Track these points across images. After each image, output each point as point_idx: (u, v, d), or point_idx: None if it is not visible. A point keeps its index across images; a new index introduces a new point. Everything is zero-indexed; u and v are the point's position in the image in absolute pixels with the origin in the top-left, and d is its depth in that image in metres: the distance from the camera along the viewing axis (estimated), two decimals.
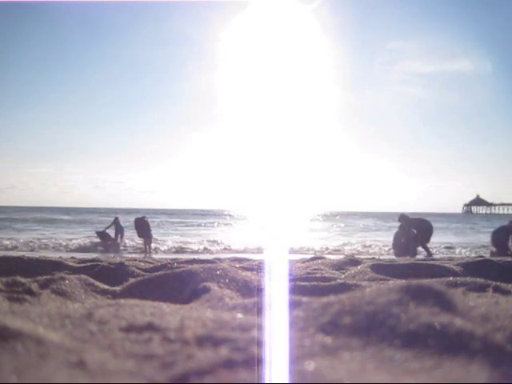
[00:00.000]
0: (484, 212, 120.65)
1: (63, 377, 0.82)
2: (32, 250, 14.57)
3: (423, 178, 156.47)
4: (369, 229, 34.97)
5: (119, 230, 16.77)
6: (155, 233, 17.73)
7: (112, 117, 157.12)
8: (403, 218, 12.17)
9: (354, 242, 20.10)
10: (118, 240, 16.65)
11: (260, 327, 1.13)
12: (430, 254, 12.09)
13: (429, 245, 12.67)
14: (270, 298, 1.46)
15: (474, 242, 21.56)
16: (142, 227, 15.74)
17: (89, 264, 3.15)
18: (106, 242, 16.73)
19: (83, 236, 18.88)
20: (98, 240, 17.05)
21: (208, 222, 42.06)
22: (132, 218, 17.04)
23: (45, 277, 2.20)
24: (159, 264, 3.50)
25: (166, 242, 18.65)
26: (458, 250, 16.86)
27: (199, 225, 36.91)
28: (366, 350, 1.01)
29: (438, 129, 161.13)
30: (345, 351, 1.00)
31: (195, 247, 17.01)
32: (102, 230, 17.71)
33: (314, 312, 1.21)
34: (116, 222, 16.89)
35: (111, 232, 17.01)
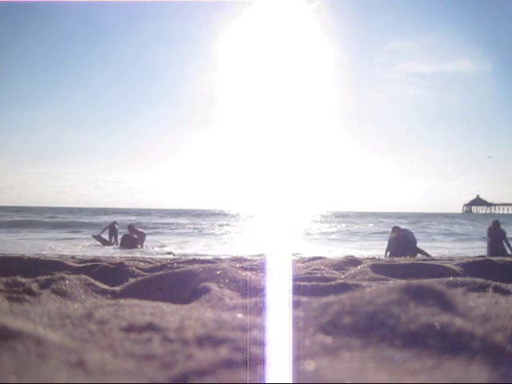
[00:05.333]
0: (484, 212, 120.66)
1: (63, 377, 0.82)
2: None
3: (423, 178, 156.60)
4: (369, 229, 34.96)
5: (113, 232, 17.49)
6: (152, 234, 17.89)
7: (112, 117, 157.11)
8: (396, 229, 12.24)
9: (353, 241, 20.10)
10: (113, 241, 17.28)
11: (260, 327, 1.13)
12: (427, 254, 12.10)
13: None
14: (270, 297, 1.46)
15: (475, 242, 21.53)
16: (128, 239, 16.25)
17: (89, 264, 3.14)
18: (104, 244, 17.27)
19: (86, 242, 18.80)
20: (97, 243, 17.48)
21: (208, 222, 42.08)
22: (130, 218, 17.30)
23: (45, 277, 2.20)
24: (159, 264, 3.50)
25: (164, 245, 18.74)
26: (458, 251, 16.85)
27: (198, 224, 36.90)
28: (366, 350, 1.01)
29: (438, 129, 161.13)
30: (345, 351, 1.00)
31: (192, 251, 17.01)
32: (97, 234, 18.28)
33: (314, 312, 1.21)
34: (111, 226, 17.70)
35: (105, 235, 17.82)
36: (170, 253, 14.91)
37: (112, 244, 17.19)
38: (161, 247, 17.70)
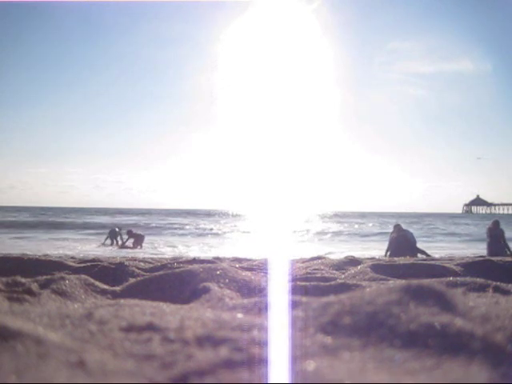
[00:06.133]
0: (484, 212, 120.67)
1: (63, 377, 0.82)
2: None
3: (423, 178, 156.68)
4: (369, 229, 34.94)
5: (114, 235, 18.07)
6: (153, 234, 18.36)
7: (112, 117, 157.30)
8: (398, 227, 12.17)
9: (353, 241, 20.08)
10: (114, 243, 17.79)
11: (260, 327, 1.13)
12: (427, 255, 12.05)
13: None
14: (270, 297, 1.46)
15: (475, 242, 21.50)
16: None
17: (89, 264, 3.14)
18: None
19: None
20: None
21: (208, 222, 42.05)
22: (130, 219, 17.67)
23: (45, 277, 2.20)
24: (159, 264, 3.50)
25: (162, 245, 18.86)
26: (458, 251, 16.82)
27: (200, 224, 36.86)
28: (366, 350, 1.01)
29: (439, 129, 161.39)
30: (345, 351, 1.00)
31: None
32: (102, 243, 18.65)
33: (314, 312, 1.21)
34: (112, 230, 18.24)
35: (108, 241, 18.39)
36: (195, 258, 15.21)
37: (112, 245, 17.53)
38: (172, 247, 18.01)
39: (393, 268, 3.25)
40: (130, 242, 16.93)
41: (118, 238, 17.79)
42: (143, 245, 16.91)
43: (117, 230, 18.31)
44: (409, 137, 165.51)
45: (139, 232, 17.83)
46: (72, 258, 6.91)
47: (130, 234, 16.92)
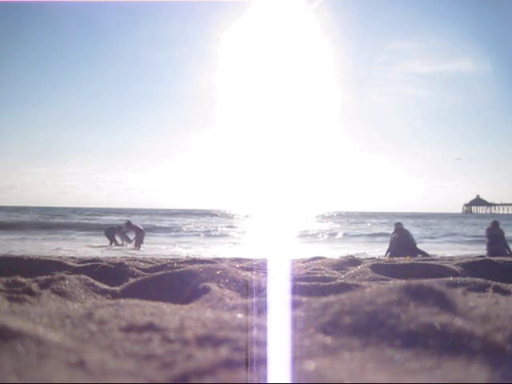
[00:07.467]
0: (484, 212, 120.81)
1: (63, 377, 0.82)
2: None
3: (423, 178, 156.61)
4: (369, 229, 34.96)
5: (110, 234, 17.90)
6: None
7: (112, 117, 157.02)
8: (398, 225, 12.20)
9: (354, 241, 20.05)
10: (113, 245, 17.71)
11: (260, 327, 1.13)
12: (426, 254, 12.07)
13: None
14: (270, 297, 1.46)
15: (475, 242, 21.50)
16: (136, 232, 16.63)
17: (89, 264, 3.14)
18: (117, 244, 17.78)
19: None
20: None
21: (209, 222, 42.06)
22: (131, 218, 17.53)
23: (45, 277, 2.20)
24: (159, 264, 3.50)
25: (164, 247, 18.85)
26: (458, 251, 16.81)
27: (201, 224, 36.88)
28: (366, 349, 1.01)
29: (438, 129, 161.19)
30: (345, 351, 1.00)
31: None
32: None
33: (314, 312, 1.21)
34: (108, 230, 18.11)
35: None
36: (195, 259, 15.22)
37: (111, 244, 17.48)
38: (172, 247, 17.97)
39: (393, 268, 3.25)
40: (130, 236, 16.76)
41: (116, 235, 17.67)
42: (143, 245, 16.82)
43: (114, 227, 18.20)
44: (409, 137, 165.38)
45: (139, 226, 17.54)
46: (72, 257, 6.91)
47: (129, 226, 16.68)
